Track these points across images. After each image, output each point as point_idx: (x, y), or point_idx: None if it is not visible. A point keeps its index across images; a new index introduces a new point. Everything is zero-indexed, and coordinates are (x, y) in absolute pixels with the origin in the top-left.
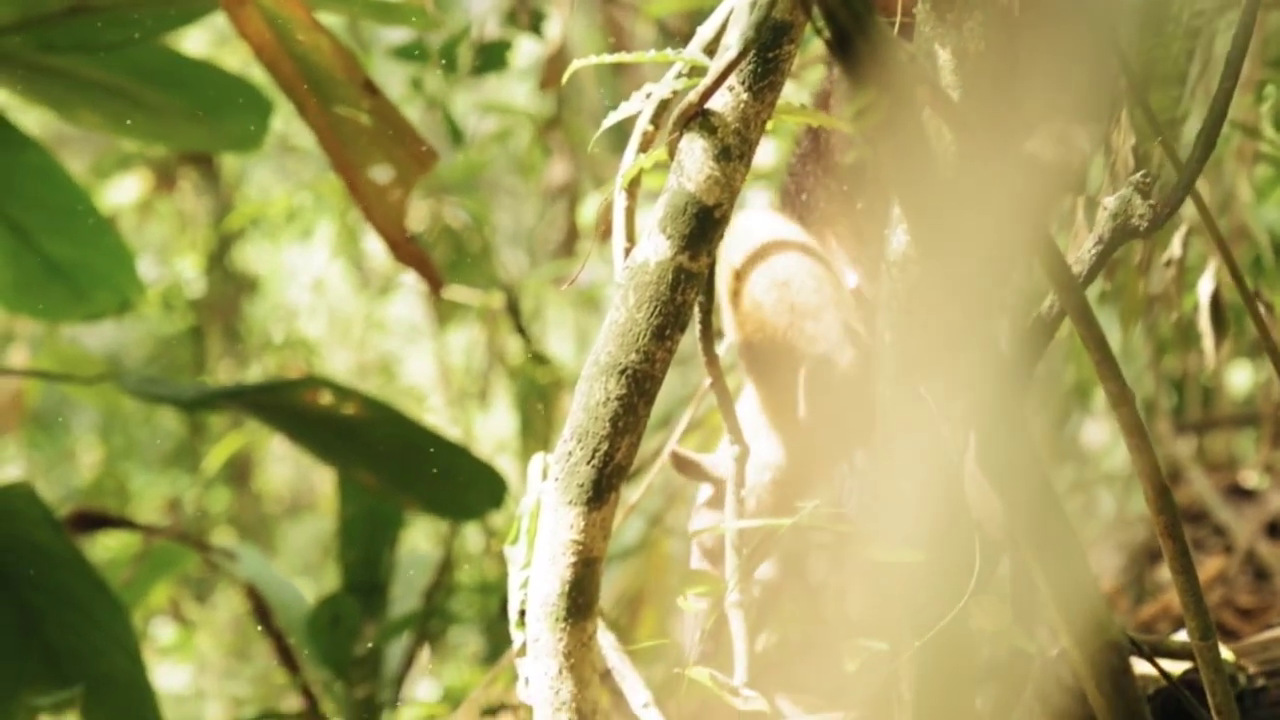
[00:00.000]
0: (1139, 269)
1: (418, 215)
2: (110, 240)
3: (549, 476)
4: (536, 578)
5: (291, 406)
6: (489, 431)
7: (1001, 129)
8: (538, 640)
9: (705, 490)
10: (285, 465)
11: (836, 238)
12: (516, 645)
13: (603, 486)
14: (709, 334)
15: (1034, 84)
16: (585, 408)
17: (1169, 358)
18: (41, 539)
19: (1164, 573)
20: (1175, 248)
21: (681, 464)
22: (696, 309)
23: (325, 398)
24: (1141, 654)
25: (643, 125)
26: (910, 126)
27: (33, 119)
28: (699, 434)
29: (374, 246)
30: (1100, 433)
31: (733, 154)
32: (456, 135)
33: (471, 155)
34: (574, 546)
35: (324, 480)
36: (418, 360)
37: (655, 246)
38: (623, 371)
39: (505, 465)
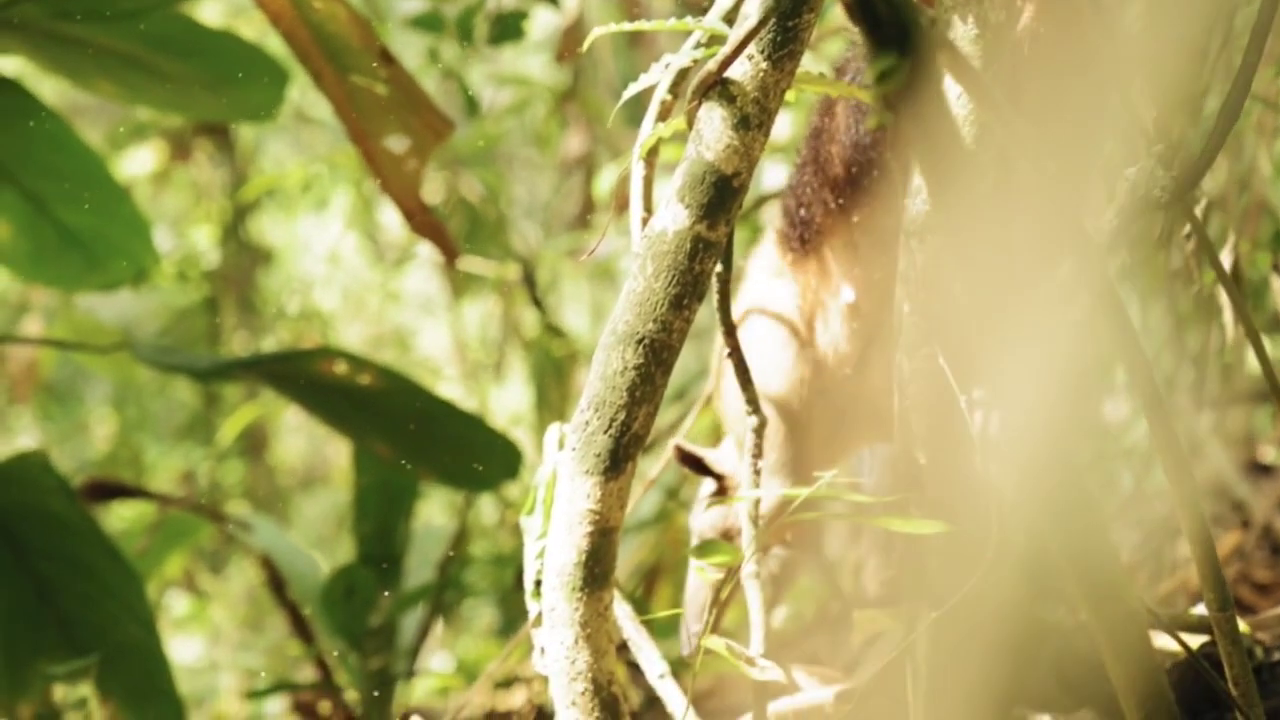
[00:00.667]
0: (1159, 243)
1: (433, 187)
2: (126, 209)
3: (565, 446)
4: (553, 547)
5: (307, 376)
6: (503, 405)
7: (1021, 99)
8: (554, 610)
9: (708, 484)
10: (298, 438)
11: (832, 252)
12: (532, 616)
13: (620, 456)
14: (726, 304)
15: (1052, 59)
16: (602, 377)
17: (1188, 333)
18: (56, 508)
19: (1182, 548)
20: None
21: (685, 458)
22: (714, 279)
23: (341, 368)
24: (1160, 626)
25: (661, 94)
26: (931, 92)
27: (48, 88)
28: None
29: (389, 219)
30: (1119, 408)
31: (751, 123)
32: (472, 106)
33: (487, 127)
34: (591, 516)
35: (337, 453)
36: (432, 334)
37: (673, 216)
38: (640, 341)
39: (520, 438)
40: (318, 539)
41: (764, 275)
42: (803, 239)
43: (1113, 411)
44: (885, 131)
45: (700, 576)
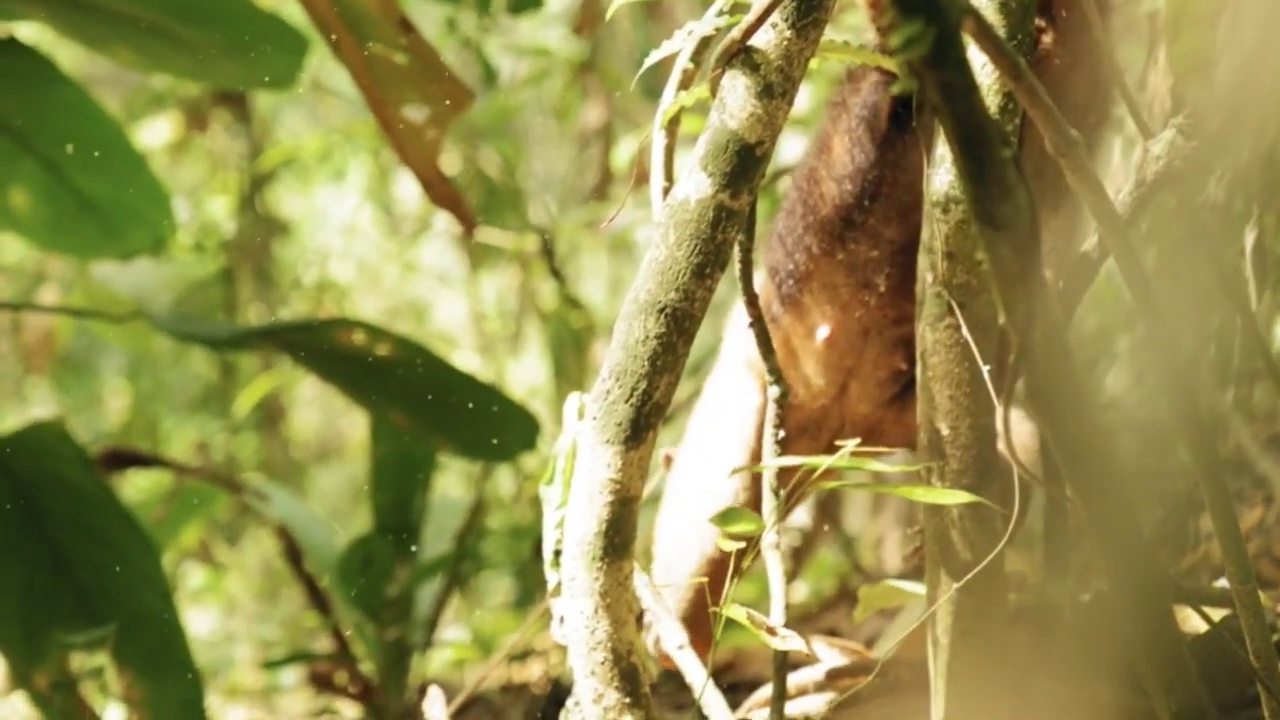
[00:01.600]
0: (1181, 215)
1: (450, 159)
2: (145, 177)
3: (586, 415)
4: (573, 517)
5: (325, 346)
6: (520, 378)
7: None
8: (574, 579)
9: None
10: (312, 411)
11: (810, 294)
12: (552, 585)
13: (641, 425)
14: (748, 273)
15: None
16: (624, 346)
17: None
18: (73, 476)
19: (1204, 523)
20: (1215, 192)
21: (668, 463)
22: (736, 248)
23: (359, 337)
24: (1183, 599)
25: (683, 63)
26: (956, 59)
27: (65, 55)
28: None
29: (405, 191)
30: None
31: (775, 91)
32: (490, 76)
33: (504, 99)
34: (611, 485)
35: (352, 426)
36: (448, 307)
37: (696, 184)
38: (662, 310)
39: (537, 410)
40: (332, 512)
41: (735, 366)
42: (787, 297)
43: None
44: (886, 155)
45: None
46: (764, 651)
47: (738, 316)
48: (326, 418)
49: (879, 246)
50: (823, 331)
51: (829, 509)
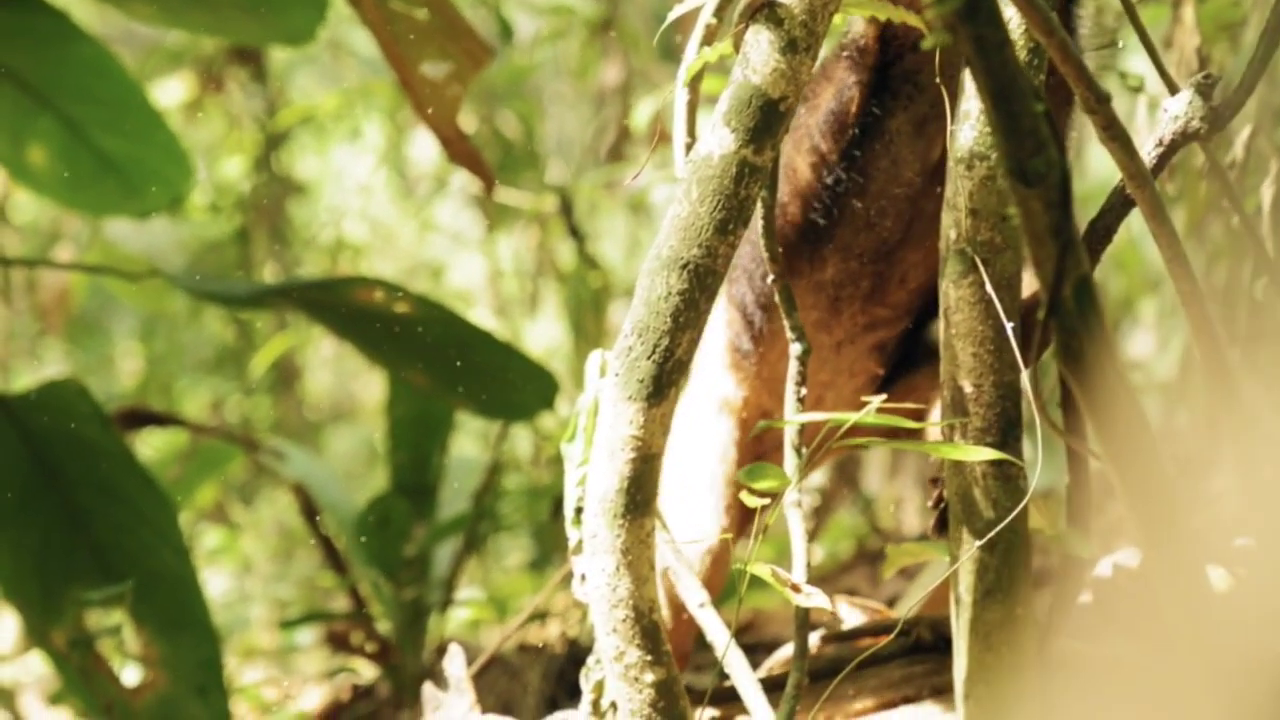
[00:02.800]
0: (1200, 173)
1: (466, 120)
2: (163, 135)
3: (608, 372)
4: (595, 474)
5: (344, 304)
6: (536, 339)
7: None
8: (595, 537)
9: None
10: (324, 374)
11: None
12: (572, 543)
13: (663, 382)
14: (771, 229)
15: None
16: (646, 302)
17: (1221, 266)
18: (90, 435)
19: (1217, 483)
20: (1237, 150)
21: None
22: (759, 204)
23: (378, 296)
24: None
25: (706, 18)
26: (990, 12)
27: (80, 12)
28: None
29: (420, 152)
30: (1147, 343)
31: (799, 46)
32: (507, 32)
33: (519, 58)
34: (633, 442)
35: (364, 389)
36: (463, 268)
37: (719, 139)
38: (684, 266)
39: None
40: (345, 475)
41: (708, 402)
42: (755, 329)
43: (1140, 346)
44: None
45: None
46: (782, 613)
47: (707, 350)
48: (339, 380)
49: (850, 259)
50: (795, 349)
51: (847, 471)
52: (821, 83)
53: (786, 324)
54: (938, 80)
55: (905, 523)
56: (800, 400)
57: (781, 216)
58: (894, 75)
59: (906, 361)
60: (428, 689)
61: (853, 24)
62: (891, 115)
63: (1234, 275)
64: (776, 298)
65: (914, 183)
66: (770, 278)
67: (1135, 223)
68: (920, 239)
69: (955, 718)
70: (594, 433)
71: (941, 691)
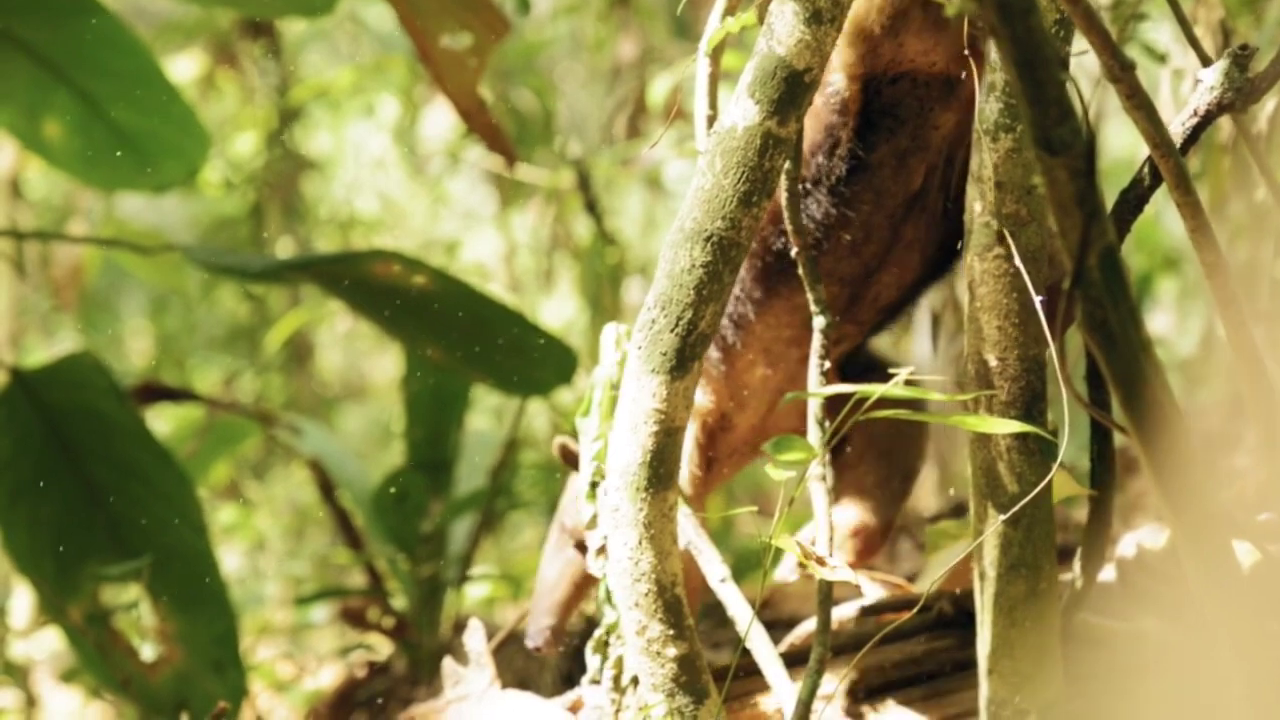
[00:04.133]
0: (1224, 149)
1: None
2: (180, 109)
3: (631, 345)
4: (617, 447)
5: (361, 278)
6: (551, 315)
7: None
8: (617, 510)
9: (579, 480)
10: (335, 354)
11: (753, 338)
12: (586, 518)
13: (686, 355)
14: (795, 201)
15: None
16: (669, 275)
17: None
18: (107, 409)
19: (1237, 460)
20: (1261, 124)
21: (568, 455)
22: (783, 176)
23: (396, 270)
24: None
25: None
26: None
27: None
28: None
29: (432, 130)
30: (1167, 321)
31: (824, 17)
32: (524, 6)
33: (531, 35)
34: (656, 415)
35: (374, 369)
36: (476, 246)
37: (743, 111)
38: (708, 238)
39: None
40: (356, 454)
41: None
42: (727, 347)
43: (1161, 324)
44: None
45: (559, 562)
46: (799, 590)
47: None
48: (349, 360)
49: (831, 284)
50: (761, 370)
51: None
52: (809, 122)
53: (810, 297)
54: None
55: (923, 500)
56: (823, 374)
57: (763, 245)
58: (874, 111)
59: (851, 371)
60: (448, 664)
61: (833, 79)
62: (874, 150)
63: (1255, 253)
64: (756, 304)
65: (896, 212)
66: (734, 319)
67: (1154, 200)
68: (897, 261)
69: (979, 692)
70: (609, 407)
71: (964, 666)
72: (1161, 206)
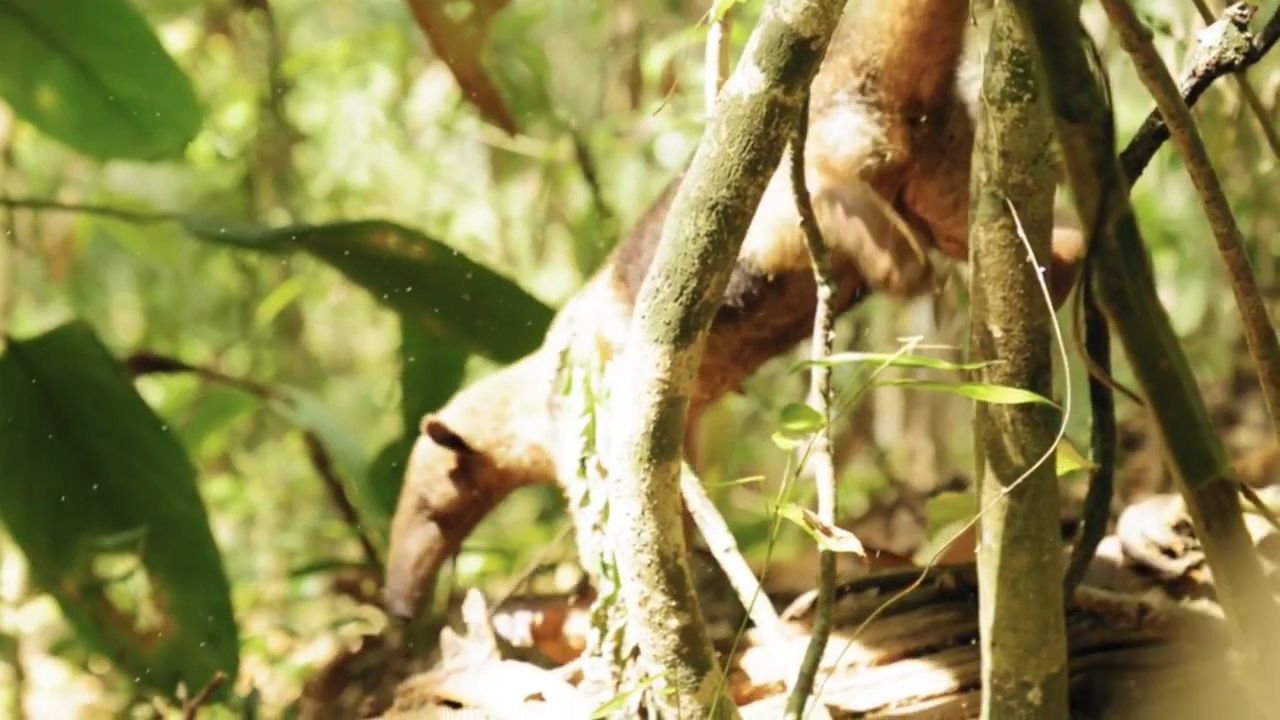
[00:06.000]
0: (1228, 121)
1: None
2: (176, 78)
3: (635, 314)
4: (620, 418)
5: (357, 248)
6: (545, 288)
7: None
8: (620, 481)
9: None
10: (325, 328)
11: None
12: (577, 497)
13: (690, 325)
14: (800, 170)
15: None
16: (674, 243)
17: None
18: (101, 379)
19: (1239, 437)
20: (1268, 95)
21: (436, 431)
22: (789, 144)
23: (392, 240)
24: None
25: None
26: None
27: None
28: None
29: (425, 103)
30: (1164, 298)
31: None
32: None
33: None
34: (659, 385)
35: (364, 344)
36: (469, 219)
37: (749, 79)
38: (713, 207)
39: None
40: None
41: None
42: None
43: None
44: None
45: (421, 535)
46: (798, 564)
47: None
48: (338, 335)
49: (764, 330)
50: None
51: (861, 423)
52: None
53: (815, 267)
54: None
55: (918, 476)
56: (827, 344)
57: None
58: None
59: None
60: (447, 635)
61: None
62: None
63: (1256, 229)
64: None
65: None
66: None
67: (1151, 176)
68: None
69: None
70: (590, 384)
71: (966, 639)
72: (1158, 183)
